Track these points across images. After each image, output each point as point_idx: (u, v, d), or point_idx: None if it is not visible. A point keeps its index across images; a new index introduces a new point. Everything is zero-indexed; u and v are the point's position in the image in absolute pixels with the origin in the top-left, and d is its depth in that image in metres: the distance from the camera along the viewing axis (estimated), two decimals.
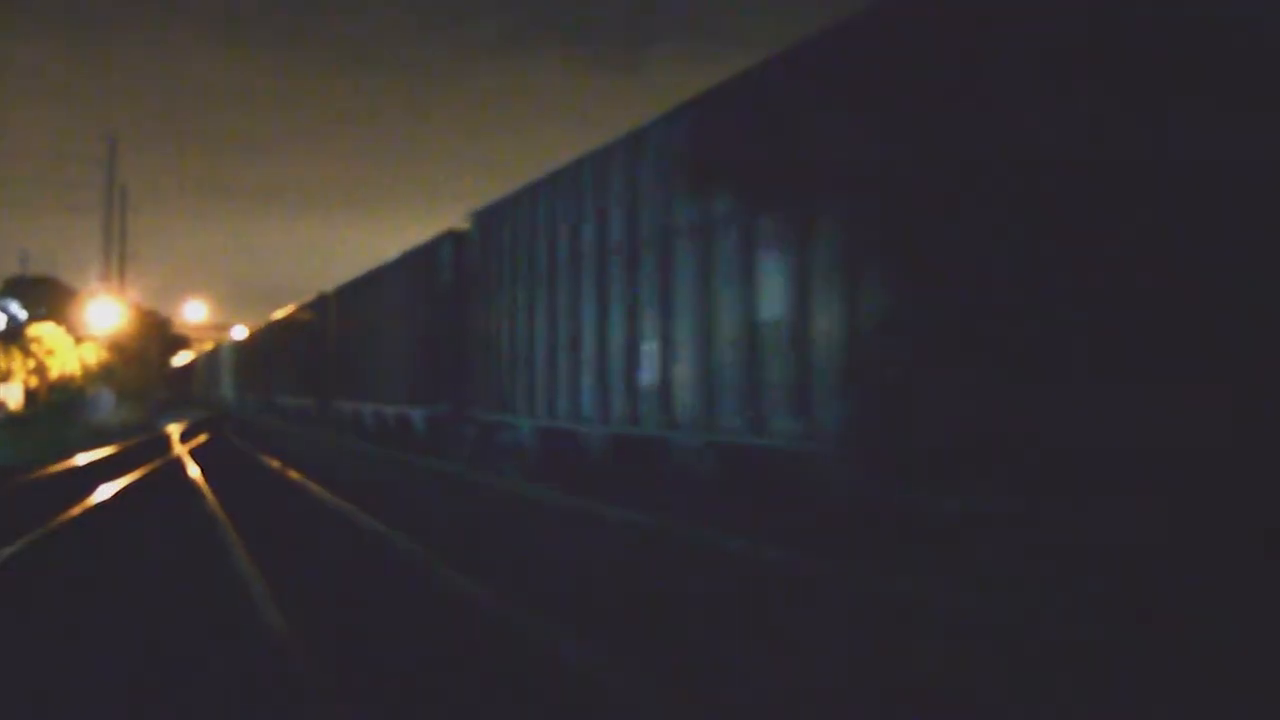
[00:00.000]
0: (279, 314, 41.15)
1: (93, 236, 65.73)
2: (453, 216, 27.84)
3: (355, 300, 26.10)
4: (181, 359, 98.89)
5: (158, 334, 73.96)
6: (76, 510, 13.40)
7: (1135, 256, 6.07)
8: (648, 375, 10.32)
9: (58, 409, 44.12)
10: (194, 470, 19.15)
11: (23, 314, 61.21)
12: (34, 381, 50.23)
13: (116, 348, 57.70)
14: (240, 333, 67.23)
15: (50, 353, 51.78)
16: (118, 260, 60.62)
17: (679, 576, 8.45)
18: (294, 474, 18.55)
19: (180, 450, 26.14)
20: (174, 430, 38.61)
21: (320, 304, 31.44)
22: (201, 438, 33.27)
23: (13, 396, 46.99)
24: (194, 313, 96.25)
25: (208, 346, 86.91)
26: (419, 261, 19.82)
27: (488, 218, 15.45)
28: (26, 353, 50.78)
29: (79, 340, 54.35)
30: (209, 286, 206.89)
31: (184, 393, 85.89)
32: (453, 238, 17.82)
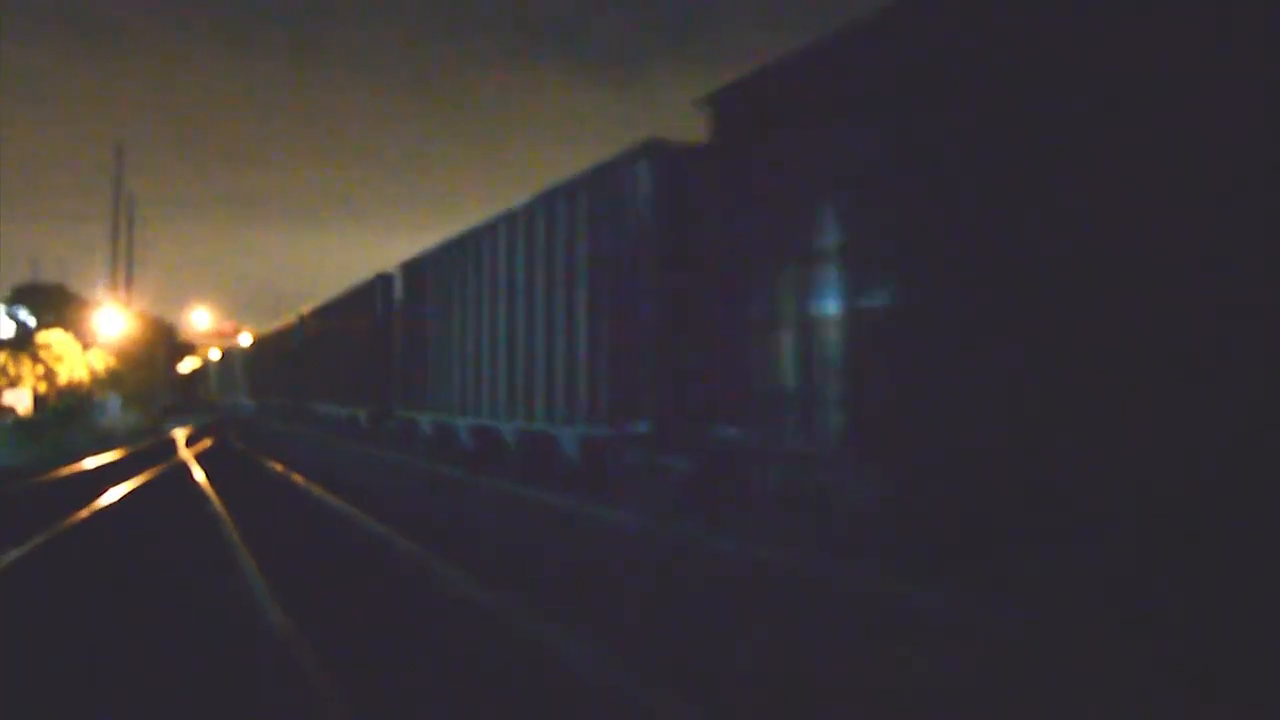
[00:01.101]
0: (307, 308, 33.66)
1: (101, 244, 62.31)
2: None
3: (441, 277, 18.77)
4: (188, 365, 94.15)
5: (164, 340, 71.28)
6: (84, 513, 12.88)
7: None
8: None
9: (66, 414, 41.06)
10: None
11: (32, 321, 57.70)
12: (43, 387, 46.49)
13: (123, 354, 55.16)
14: (247, 340, 61.75)
15: (59, 359, 48.06)
16: (125, 268, 58.40)
17: None
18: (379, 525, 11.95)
19: (187, 456, 23.88)
20: (182, 436, 36.01)
21: (377, 288, 23.97)
22: (207, 443, 30.10)
23: (22, 402, 43.17)
24: (200, 319, 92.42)
25: (214, 352, 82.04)
26: (580, 202, 12.36)
27: (744, 105, 8.04)
28: (35, 359, 47.18)
29: (87, 347, 51.03)
30: (215, 294, 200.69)
31: (191, 398, 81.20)
32: (652, 156, 10.54)
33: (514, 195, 18.53)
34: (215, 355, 79.53)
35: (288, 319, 38.72)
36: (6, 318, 58.11)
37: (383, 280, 23.56)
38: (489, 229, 15.82)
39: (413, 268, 21.19)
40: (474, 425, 16.44)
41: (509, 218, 14.91)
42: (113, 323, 54.48)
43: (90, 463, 22.88)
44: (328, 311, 30.68)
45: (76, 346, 49.51)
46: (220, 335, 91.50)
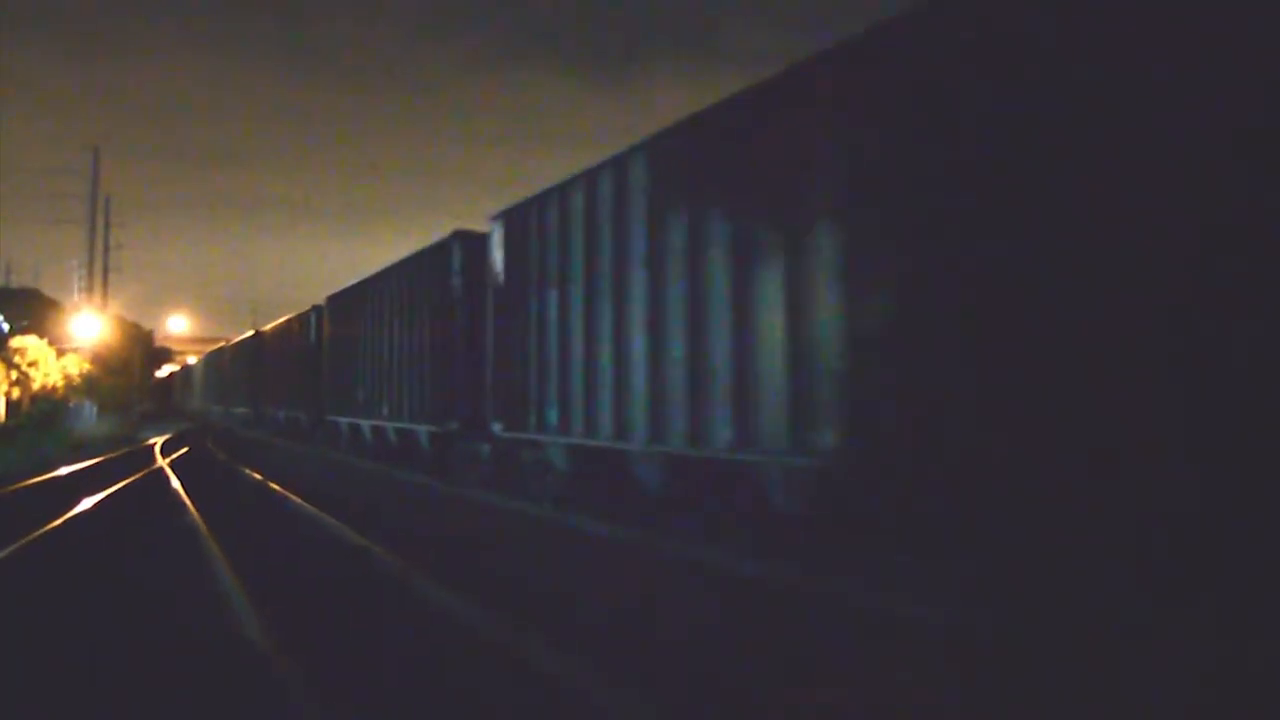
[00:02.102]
0: (328, 295, 26.41)
1: (77, 249, 59.16)
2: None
3: (598, 216, 11.52)
4: (165, 371, 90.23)
5: (141, 346, 68.01)
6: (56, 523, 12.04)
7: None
8: None
9: (39, 421, 39.73)
10: None
11: (5, 326, 54.00)
12: (16, 393, 44.03)
13: (99, 359, 52.50)
14: (241, 339, 57.18)
15: (33, 365, 45.12)
16: (101, 272, 55.67)
17: None
18: None
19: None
20: (160, 447, 32.78)
21: (452, 253, 16.24)
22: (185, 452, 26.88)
23: None
24: (176, 325, 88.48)
25: (191, 359, 77.76)
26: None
27: None
28: (9, 364, 44.20)
29: (61, 352, 48.34)
30: (193, 300, 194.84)
31: (169, 406, 77.21)
32: None
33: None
34: (195, 359, 74.15)
35: (298, 311, 31.32)
36: None
37: (463, 243, 15.95)
38: (763, 97, 8.69)
39: (523, 215, 13.34)
40: (668, 455, 9.84)
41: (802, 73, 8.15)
42: (88, 328, 52.24)
43: (64, 470, 21.18)
44: (363, 294, 22.05)
45: (50, 352, 46.77)
46: (198, 343, 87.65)
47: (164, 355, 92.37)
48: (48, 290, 62.01)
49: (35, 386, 44.87)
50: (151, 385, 79.83)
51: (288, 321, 32.61)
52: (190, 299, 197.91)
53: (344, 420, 23.31)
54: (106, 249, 56.20)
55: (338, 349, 24.39)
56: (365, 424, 21.27)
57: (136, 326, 71.48)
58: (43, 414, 41.47)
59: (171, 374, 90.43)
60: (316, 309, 27.53)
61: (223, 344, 56.11)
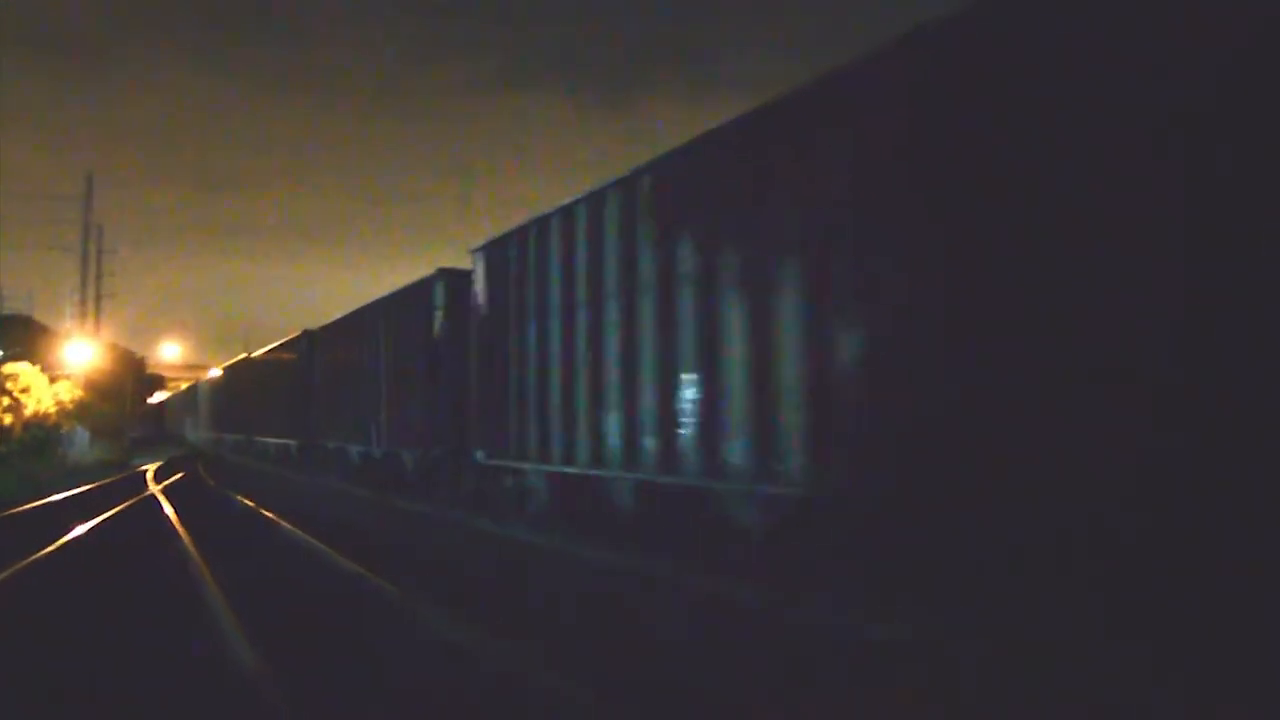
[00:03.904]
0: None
1: (69, 275, 57.80)
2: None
3: None
4: (157, 398, 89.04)
5: (133, 372, 66.98)
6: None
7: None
8: None
9: (33, 447, 38.45)
10: None
11: None
12: (9, 419, 42.32)
13: (92, 386, 51.41)
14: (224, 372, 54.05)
15: (25, 390, 43.74)
16: (93, 299, 54.63)
17: None
18: None
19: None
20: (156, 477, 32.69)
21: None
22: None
23: None
24: (169, 353, 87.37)
25: (184, 385, 76.37)
26: None
27: None
28: (1, 390, 42.76)
29: (54, 379, 47.23)
30: (186, 327, 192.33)
31: (162, 431, 75.91)
32: None
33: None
34: (215, 373, 67.20)
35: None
36: None
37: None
38: None
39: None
40: None
41: None
42: (81, 354, 51.52)
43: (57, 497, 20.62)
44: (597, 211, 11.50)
45: (44, 378, 45.72)
46: (190, 369, 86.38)
47: (157, 382, 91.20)
48: (41, 316, 60.99)
49: (28, 413, 43.66)
50: (144, 411, 79.03)
51: (362, 311, 22.27)
52: (183, 326, 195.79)
53: (538, 469, 12.82)
54: (99, 276, 55.84)
55: (496, 343, 14.16)
56: (623, 479, 10.92)
57: (129, 353, 70.80)
58: (35, 440, 40.26)
59: (163, 401, 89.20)
60: (445, 274, 17.11)
61: (242, 357, 45.42)
